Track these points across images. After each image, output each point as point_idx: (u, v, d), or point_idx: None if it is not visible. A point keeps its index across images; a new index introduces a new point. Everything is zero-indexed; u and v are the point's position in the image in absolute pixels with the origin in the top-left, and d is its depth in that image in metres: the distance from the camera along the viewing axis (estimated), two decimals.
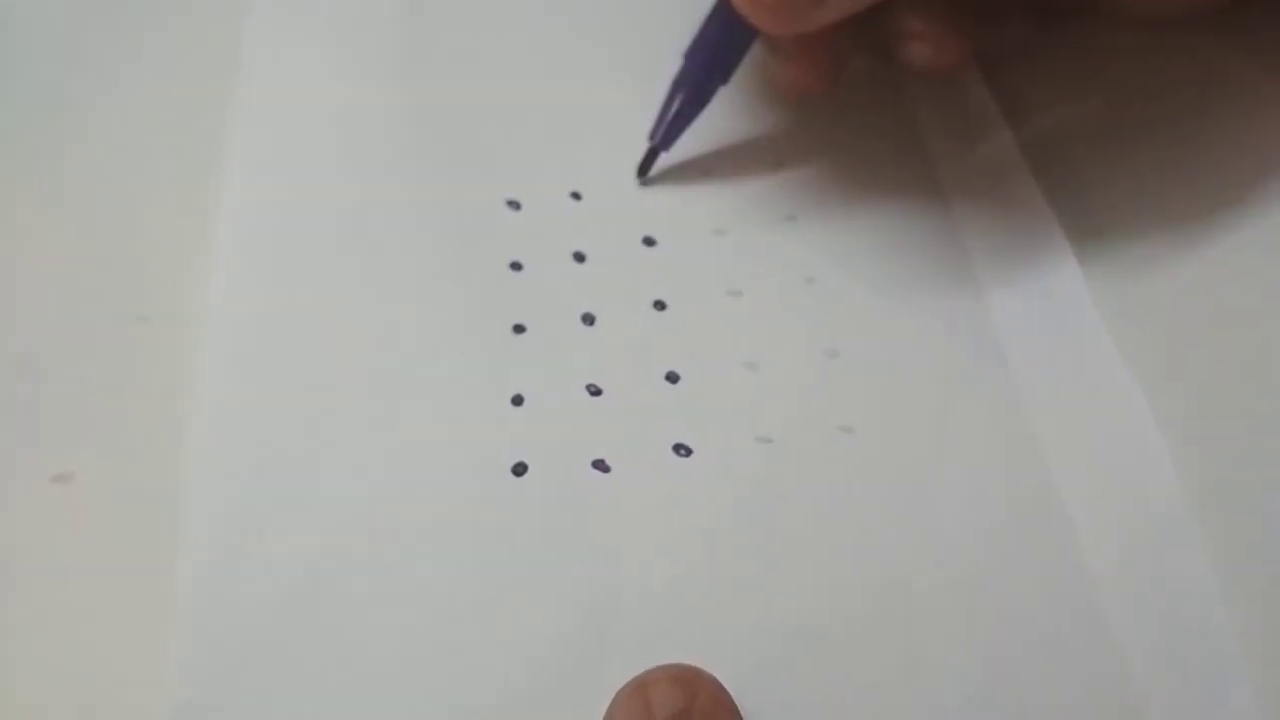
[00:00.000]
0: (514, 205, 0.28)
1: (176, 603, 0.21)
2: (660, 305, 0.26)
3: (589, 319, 0.26)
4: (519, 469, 0.23)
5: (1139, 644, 0.22)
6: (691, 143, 0.28)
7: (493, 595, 0.22)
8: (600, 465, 0.24)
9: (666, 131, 0.28)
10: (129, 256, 0.27)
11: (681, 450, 0.24)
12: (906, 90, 0.30)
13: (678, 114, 0.28)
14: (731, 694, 0.20)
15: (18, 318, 0.26)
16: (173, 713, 0.20)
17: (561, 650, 0.21)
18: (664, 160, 0.29)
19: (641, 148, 0.28)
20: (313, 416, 0.24)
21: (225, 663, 0.21)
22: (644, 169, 0.28)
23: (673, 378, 0.25)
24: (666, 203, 0.28)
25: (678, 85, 0.28)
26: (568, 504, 0.23)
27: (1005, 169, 0.28)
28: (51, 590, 0.22)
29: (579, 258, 0.27)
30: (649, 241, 0.27)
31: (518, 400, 0.25)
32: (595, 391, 0.25)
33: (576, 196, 0.28)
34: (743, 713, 0.20)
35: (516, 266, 0.27)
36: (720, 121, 0.29)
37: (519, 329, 0.26)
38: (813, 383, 0.25)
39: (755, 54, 0.28)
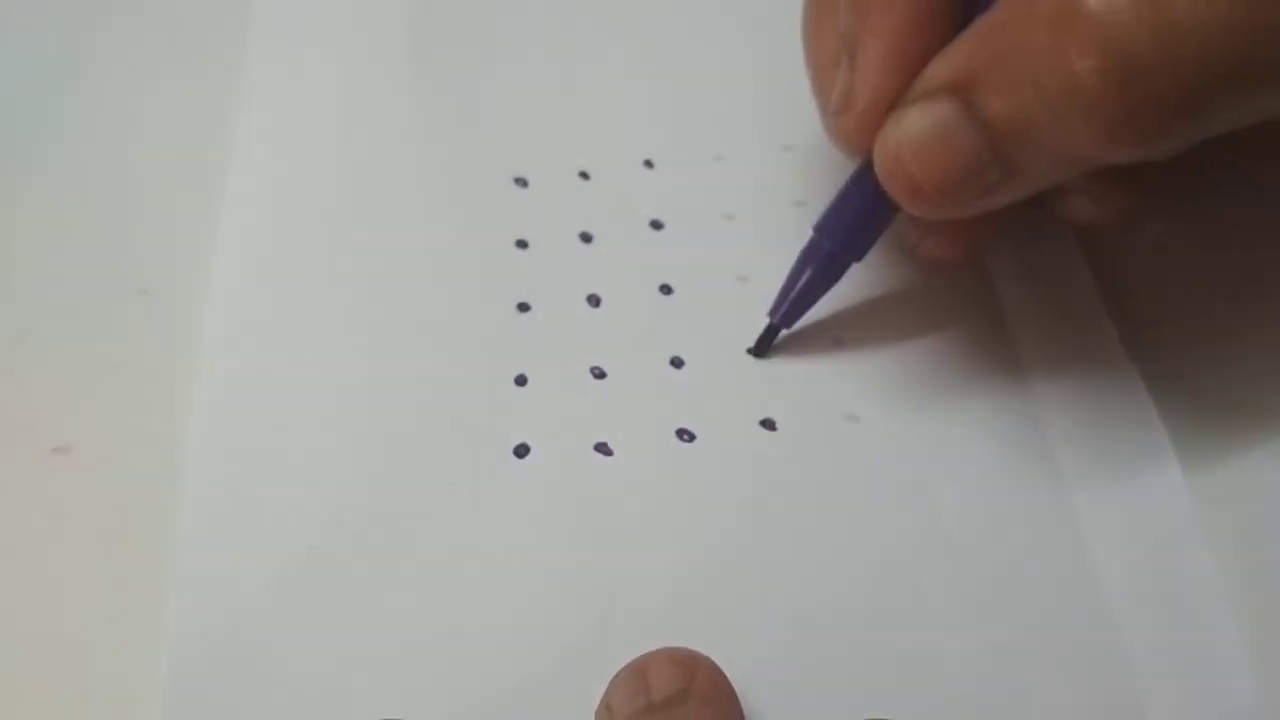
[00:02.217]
0: (521, 183, 0.28)
1: (173, 575, 0.21)
2: (666, 289, 0.26)
3: (594, 300, 0.26)
4: (521, 450, 0.23)
5: (1141, 635, 0.21)
6: (701, 132, 0.28)
7: (492, 578, 0.22)
8: (603, 449, 0.23)
9: (790, 309, 0.25)
10: (130, 229, 0.27)
11: (685, 435, 0.24)
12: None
13: (804, 290, 0.25)
14: (730, 678, 0.20)
15: (18, 289, 0.26)
16: (169, 686, 0.20)
17: (561, 633, 0.21)
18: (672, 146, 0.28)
19: (649, 135, 0.28)
20: (313, 394, 0.24)
21: (222, 638, 0.21)
22: (761, 348, 0.25)
23: (677, 362, 0.25)
24: (675, 186, 0.28)
25: (806, 259, 0.25)
26: (570, 487, 0.23)
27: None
28: (49, 560, 0.22)
29: (585, 238, 0.27)
30: (656, 225, 0.27)
31: (521, 381, 0.24)
32: (599, 374, 0.25)
33: (585, 176, 0.28)
34: (740, 696, 0.20)
35: (522, 245, 0.27)
36: (727, 111, 0.29)
37: (523, 308, 0.26)
38: (819, 369, 0.25)
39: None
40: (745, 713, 0.20)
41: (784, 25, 0.28)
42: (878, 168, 0.22)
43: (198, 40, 0.30)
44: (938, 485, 0.23)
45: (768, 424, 0.24)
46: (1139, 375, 0.25)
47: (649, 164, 0.28)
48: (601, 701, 0.20)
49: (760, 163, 0.28)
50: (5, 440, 0.23)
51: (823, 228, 0.24)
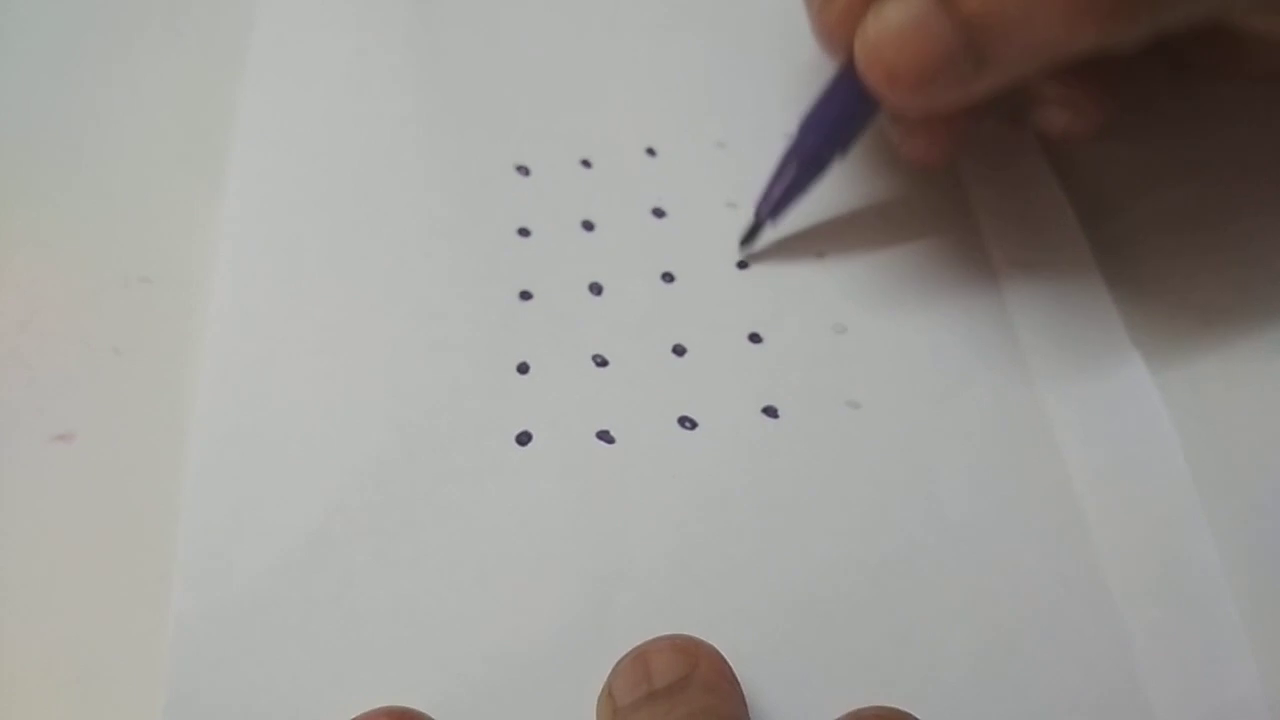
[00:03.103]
0: (523, 170, 0.28)
1: (176, 563, 0.21)
2: (668, 277, 0.26)
3: (596, 288, 0.26)
4: (523, 438, 0.23)
5: (1141, 621, 0.21)
6: (703, 119, 0.28)
7: (494, 564, 0.22)
8: (605, 436, 0.23)
9: (777, 204, 0.26)
10: (133, 217, 0.27)
11: (687, 423, 0.24)
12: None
13: (790, 186, 0.26)
14: (732, 665, 0.20)
15: (21, 277, 0.26)
16: (172, 672, 0.20)
17: (563, 620, 0.21)
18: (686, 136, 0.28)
19: (651, 123, 0.28)
20: (316, 380, 0.24)
21: (225, 626, 0.21)
22: (747, 240, 0.26)
23: (679, 350, 0.25)
24: (677, 174, 0.28)
25: (791, 156, 0.26)
26: (571, 475, 0.23)
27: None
28: (51, 548, 0.22)
29: (588, 226, 0.27)
30: (659, 212, 0.27)
31: (523, 368, 0.24)
32: (601, 362, 0.25)
33: (587, 164, 0.28)
34: (743, 683, 0.20)
35: (524, 232, 0.27)
36: (730, 98, 0.29)
37: (525, 295, 0.25)
38: (820, 358, 0.25)
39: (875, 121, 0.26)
40: (748, 700, 0.20)
41: (787, 11, 0.28)
42: (858, 59, 0.23)
43: (201, 26, 0.30)
44: (940, 474, 0.23)
45: (770, 411, 0.24)
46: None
47: (651, 152, 0.28)
48: (603, 689, 0.20)
49: (763, 150, 0.28)
50: (7, 428, 0.23)
51: (806, 124, 0.26)
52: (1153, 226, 0.27)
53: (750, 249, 0.26)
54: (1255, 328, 0.25)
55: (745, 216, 0.27)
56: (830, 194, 0.27)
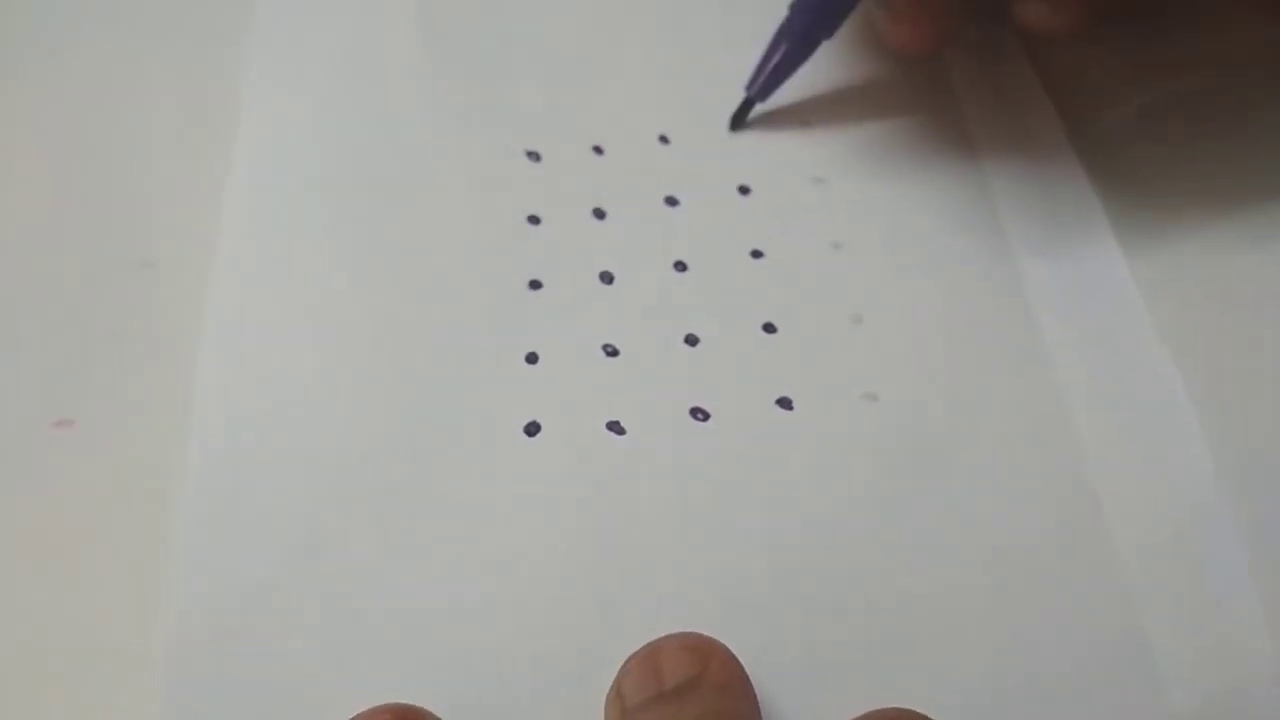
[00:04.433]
0: (534, 156, 0.27)
1: (176, 551, 0.21)
2: (681, 266, 0.26)
3: (607, 277, 0.25)
4: (531, 428, 0.23)
5: (1163, 621, 0.21)
6: (716, 106, 0.28)
7: (500, 557, 0.21)
8: (615, 427, 0.23)
9: (766, 82, 0.27)
10: (134, 201, 0.26)
11: (699, 414, 0.23)
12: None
13: (779, 65, 0.27)
14: (744, 664, 0.19)
15: (21, 261, 0.25)
16: (170, 663, 0.20)
17: (570, 615, 0.21)
18: (687, 120, 0.28)
19: (663, 110, 0.28)
20: (319, 368, 0.24)
21: (225, 615, 0.20)
22: (738, 119, 0.28)
23: (692, 340, 0.24)
24: (689, 161, 0.27)
25: (781, 36, 0.27)
26: (581, 466, 0.23)
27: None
28: (51, 535, 0.22)
29: (599, 214, 0.26)
30: (671, 200, 0.27)
31: (532, 358, 0.24)
32: (612, 352, 0.24)
33: (599, 151, 0.27)
34: (755, 684, 0.19)
35: (534, 220, 0.26)
36: (743, 86, 0.28)
37: (535, 284, 0.25)
38: (836, 349, 0.24)
39: (861, 7, 0.27)
40: (760, 700, 0.19)
41: None
42: None
43: (205, 8, 0.30)
44: (959, 468, 0.23)
45: (784, 403, 0.23)
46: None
47: (664, 139, 0.28)
48: (612, 688, 0.19)
49: (776, 138, 0.28)
50: (7, 414, 0.23)
51: (797, 5, 0.27)
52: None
53: (740, 127, 0.28)
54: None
55: (758, 205, 0.27)
56: (849, 178, 0.27)
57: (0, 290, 0.25)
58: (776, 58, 0.27)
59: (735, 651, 0.19)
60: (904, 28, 0.27)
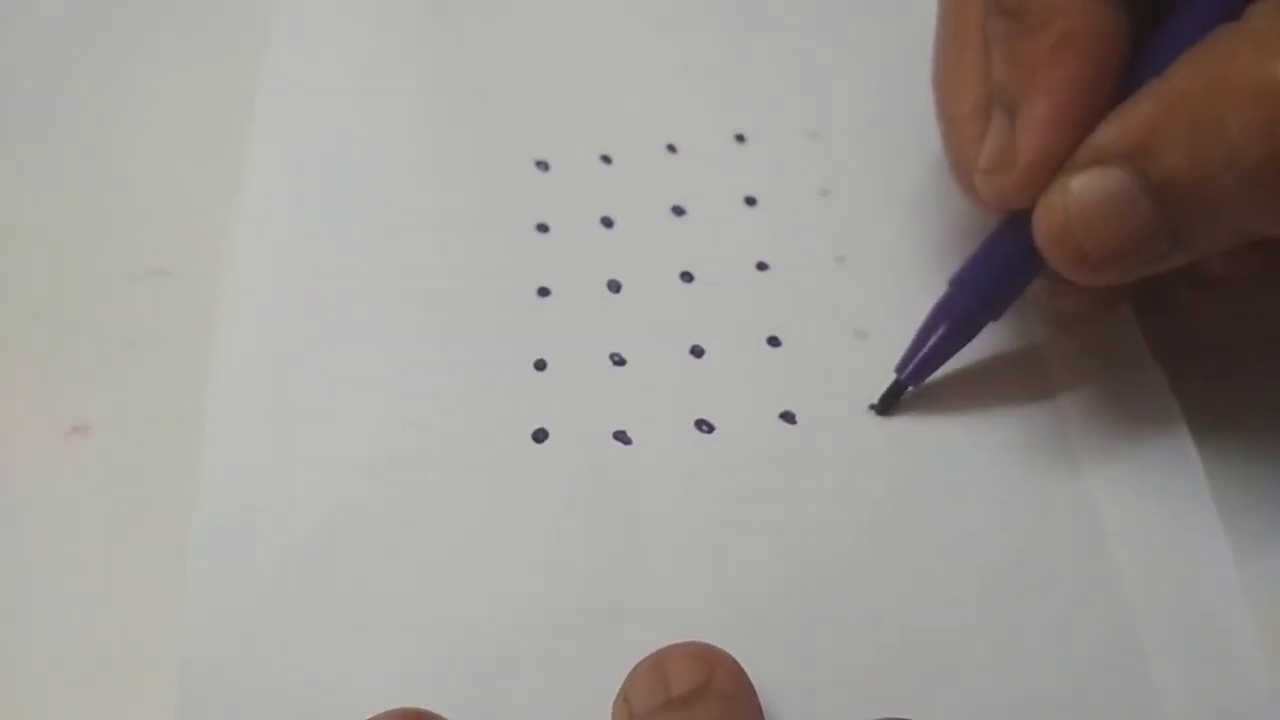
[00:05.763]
0: (542, 166, 0.27)
1: (190, 555, 0.21)
2: (687, 277, 0.26)
3: (615, 286, 0.26)
4: (539, 435, 0.23)
5: (1158, 640, 0.21)
6: (723, 116, 0.28)
7: (507, 562, 0.22)
8: (621, 437, 0.23)
9: (919, 365, 0.24)
10: (149, 210, 0.26)
11: (704, 426, 0.24)
12: None
13: (936, 346, 0.24)
14: (748, 673, 0.20)
15: (37, 269, 0.26)
16: (184, 664, 0.20)
17: (575, 621, 0.21)
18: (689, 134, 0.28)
19: (671, 119, 0.28)
20: (331, 374, 0.24)
21: (237, 618, 0.21)
22: (887, 403, 0.24)
23: (697, 351, 0.25)
24: (697, 171, 0.28)
25: (940, 315, 0.24)
26: (587, 474, 0.23)
27: None
28: (67, 540, 0.22)
29: (607, 223, 0.27)
30: (678, 210, 0.27)
31: (540, 365, 0.24)
32: (619, 361, 0.24)
33: (607, 160, 0.28)
34: (759, 693, 0.20)
35: (543, 228, 0.26)
36: (751, 95, 0.29)
37: (543, 292, 0.25)
38: (841, 362, 0.25)
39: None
40: (764, 709, 0.20)
41: (804, 6, 0.27)
42: (1040, 234, 0.21)
43: (219, 17, 0.30)
44: (963, 484, 0.23)
45: (787, 417, 0.24)
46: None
47: (671, 149, 0.28)
48: (619, 694, 0.20)
49: (784, 149, 0.28)
50: (24, 420, 0.23)
51: (961, 284, 0.23)
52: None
53: (889, 412, 0.24)
54: None
55: (764, 216, 0.27)
56: (855, 189, 0.26)
57: (15, 297, 0.25)
58: (934, 339, 0.24)
59: (739, 661, 0.20)
60: (1076, 300, 0.24)
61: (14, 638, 0.21)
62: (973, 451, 0.23)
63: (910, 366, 0.24)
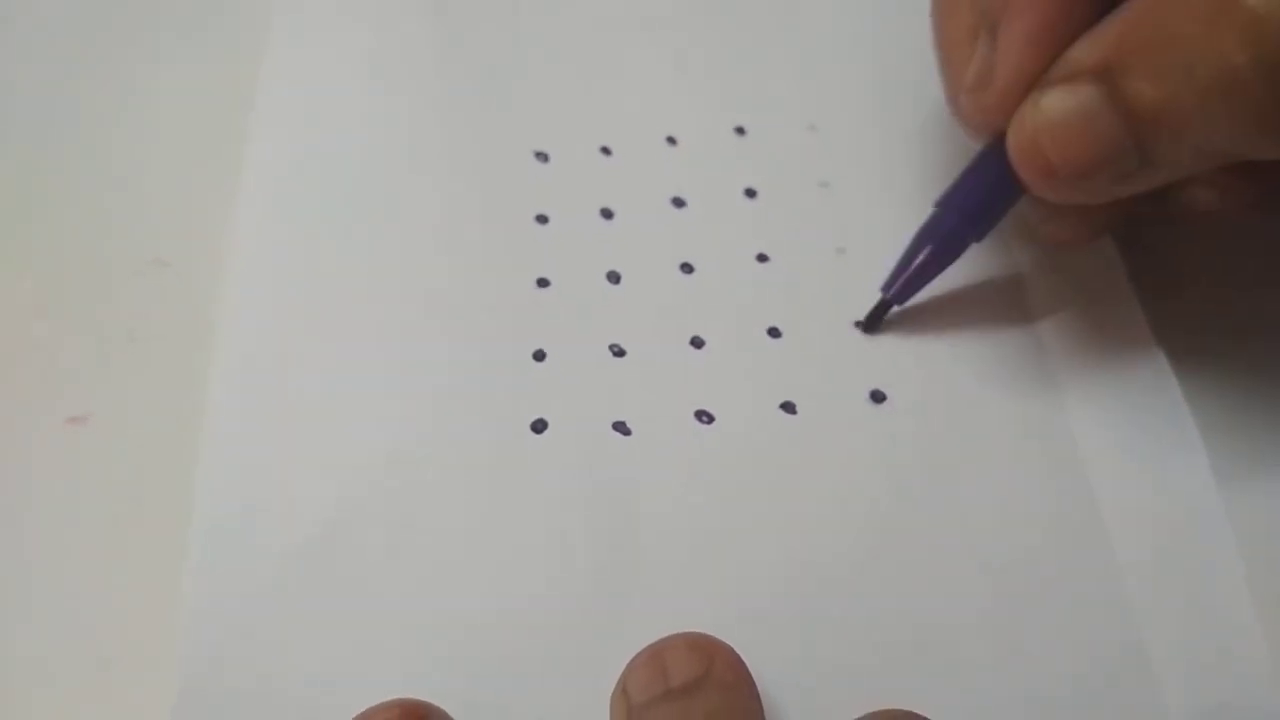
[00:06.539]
0: (542, 157, 0.27)
1: (190, 549, 0.21)
2: (687, 268, 0.26)
3: (614, 277, 0.26)
4: (539, 426, 0.23)
5: (1161, 632, 0.21)
6: (723, 108, 0.27)
7: (506, 559, 0.22)
8: (621, 428, 0.23)
9: (905, 285, 0.24)
10: (149, 201, 0.26)
11: (704, 417, 0.24)
12: None
13: (921, 267, 0.24)
14: (747, 663, 0.20)
15: (36, 259, 0.25)
16: (185, 657, 0.20)
17: (575, 613, 0.21)
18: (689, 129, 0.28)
19: (670, 111, 0.28)
20: (331, 366, 0.24)
21: (237, 612, 0.21)
22: (873, 322, 0.25)
23: (697, 342, 0.25)
24: (696, 163, 0.28)
25: (926, 236, 0.24)
26: (587, 465, 0.23)
27: None
28: (66, 532, 0.22)
29: (606, 214, 0.27)
30: (678, 202, 0.27)
31: (539, 355, 0.24)
32: (619, 352, 0.24)
33: (606, 152, 0.28)
34: (757, 683, 0.20)
35: (542, 219, 0.26)
36: (751, 87, 0.29)
37: (542, 283, 0.25)
38: (841, 352, 0.25)
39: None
40: (762, 699, 0.20)
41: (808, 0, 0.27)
42: (1012, 148, 0.22)
43: (220, 10, 0.30)
44: (964, 473, 0.23)
45: (788, 407, 0.24)
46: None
47: (671, 140, 0.28)
48: (618, 685, 0.20)
49: (784, 140, 0.28)
50: (23, 410, 0.23)
51: (946, 203, 0.24)
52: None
53: (874, 330, 0.25)
54: None
55: (764, 208, 0.27)
56: (856, 181, 0.27)
57: (14, 288, 0.25)
58: (920, 258, 0.24)
59: (739, 651, 0.20)
60: (1061, 225, 0.24)
61: (10, 630, 0.21)
62: (976, 442, 0.23)
63: (896, 285, 0.24)
